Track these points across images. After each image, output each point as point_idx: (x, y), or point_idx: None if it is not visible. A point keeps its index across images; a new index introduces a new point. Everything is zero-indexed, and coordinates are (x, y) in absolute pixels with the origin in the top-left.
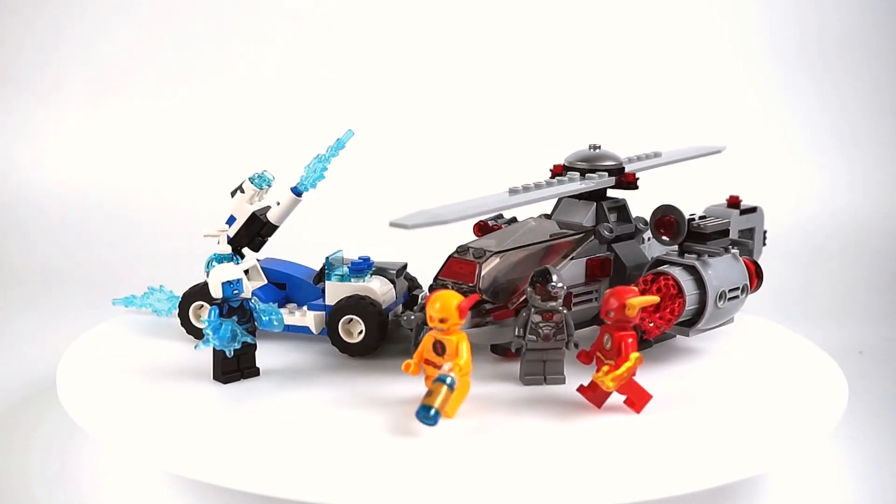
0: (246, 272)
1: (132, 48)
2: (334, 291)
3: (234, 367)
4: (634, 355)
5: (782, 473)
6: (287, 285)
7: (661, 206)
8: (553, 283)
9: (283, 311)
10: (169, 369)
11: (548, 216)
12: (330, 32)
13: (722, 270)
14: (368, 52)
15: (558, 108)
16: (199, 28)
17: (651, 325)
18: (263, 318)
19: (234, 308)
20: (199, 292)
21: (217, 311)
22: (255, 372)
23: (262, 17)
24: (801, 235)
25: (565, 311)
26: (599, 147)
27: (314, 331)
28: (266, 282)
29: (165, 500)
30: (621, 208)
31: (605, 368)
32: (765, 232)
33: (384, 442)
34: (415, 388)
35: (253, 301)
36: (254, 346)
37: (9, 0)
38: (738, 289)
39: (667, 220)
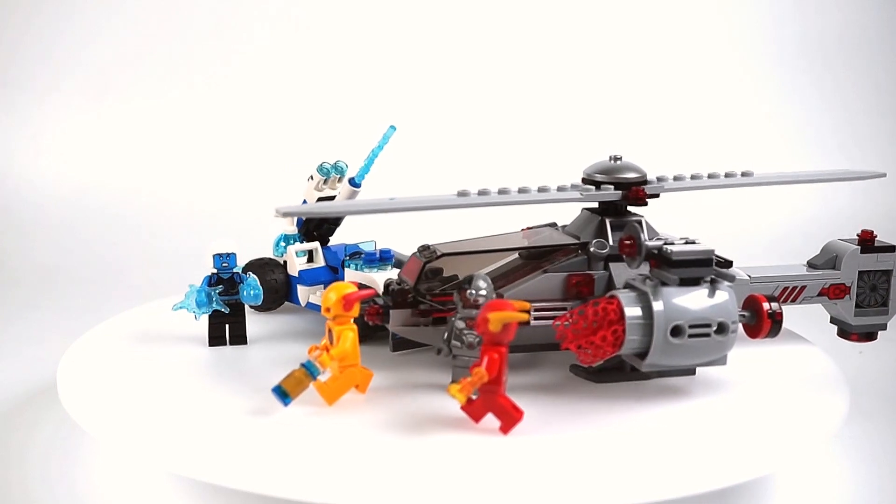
0: (310, 253)
1: (132, 48)
2: (348, 279)
3: (221, 332)
4: (477, 370)
5: (784, 475)
6: (339, 269)
7: (627, 225)
8: (471, 291)
9: (320, 291)
10: (169, 369)
11: (564, 227)
12: (331, 32)
13: (684, 302)
14: (377, 53)
15: (580, 119)
16: (198, 28)
17: (580, 349)
18: (244, 293)
19: (223, 279)
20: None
21: (207, 279)
22: (242, 340)
23: (261, 18)
24: (802, 236)
25: None
26: (620, 158)
27: None
28: (324, 264)
29: (165, 499)
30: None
31: (461, 380)
32: None
33: (381, 440)
34: (403, 378)
35: (248, 275)
36: (241, 317)
37: (8, 0)
38: (707, 325)
39: (625, 241)
